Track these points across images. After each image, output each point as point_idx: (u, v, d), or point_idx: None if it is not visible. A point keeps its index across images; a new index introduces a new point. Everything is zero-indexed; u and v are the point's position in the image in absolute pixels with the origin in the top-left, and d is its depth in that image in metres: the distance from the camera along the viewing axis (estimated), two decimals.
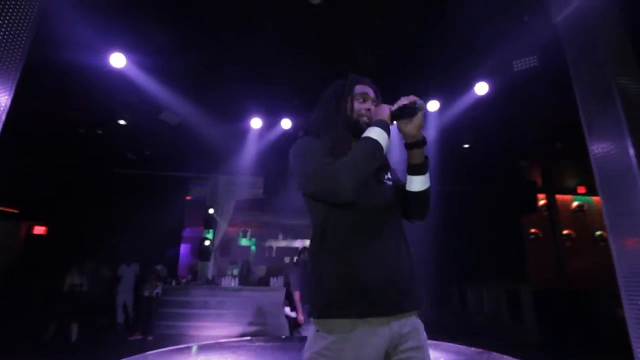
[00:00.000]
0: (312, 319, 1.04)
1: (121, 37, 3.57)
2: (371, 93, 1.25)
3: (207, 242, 7.05)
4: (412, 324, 1.05)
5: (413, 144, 1.15)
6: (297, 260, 4.37)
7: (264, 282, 7.31)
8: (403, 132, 1.14)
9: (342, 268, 1.02)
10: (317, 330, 1.00)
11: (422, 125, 1.14)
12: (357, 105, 1.21)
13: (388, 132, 1.11)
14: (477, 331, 6.55)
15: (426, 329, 1.10)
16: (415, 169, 1.17)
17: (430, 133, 4.82)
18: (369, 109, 1.21)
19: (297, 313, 3.80)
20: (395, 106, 1.13)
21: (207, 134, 5.11)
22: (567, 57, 2.96)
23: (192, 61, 3.93)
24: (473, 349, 2.36)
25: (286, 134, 5.11)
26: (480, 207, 7.56)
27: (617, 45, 2.76)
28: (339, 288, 1.00)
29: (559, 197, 8.46)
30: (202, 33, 3.61)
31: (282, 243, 12.47)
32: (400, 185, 1.24)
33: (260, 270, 9.02)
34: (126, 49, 3.67)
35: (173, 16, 3.42)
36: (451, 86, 4.23)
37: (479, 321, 7.04)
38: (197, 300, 6.30)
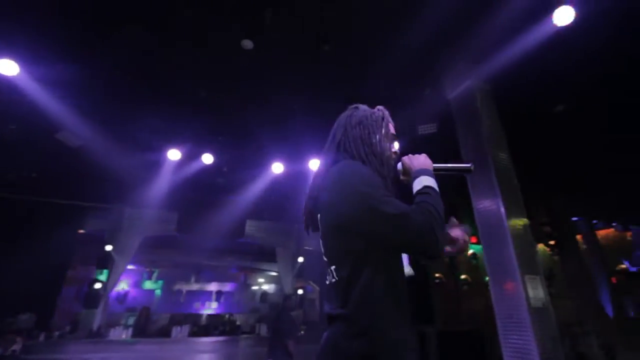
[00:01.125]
0: None
1: (17, 43, 3.13)
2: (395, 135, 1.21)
3: (97, 285, 5.99)
4: None
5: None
6: (283, 306, 4.31)
7: (165, 332, 6.40)
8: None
9: (401, 323, 0.93)
10: None
11: None
12: (388, 144, 1.14)
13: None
14: None
15: None
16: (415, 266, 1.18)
17: None
18: (396, 152, 1.18)
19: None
20: (437, 165, 1.12)
21: (114, 162, 4.58)
22: (457, 129, 3.56)
23: (104, 80, 3.61)
24: None
25: (206, 169, 4.89)
26: None
27: (492, 123, 3.44)
28: (406, 346, 0.92)
29: None
30: (117, 51, 3.35)
31: (194, 286, 11.28)
32: None
33: (163, 319, 7.92)
34: (23, 58, 3.22)
35: (81, 32, 3.14)
36: None
37: None
38: (72, 359, 5.14)
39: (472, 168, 1.09)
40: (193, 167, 4.74)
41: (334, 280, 0.99)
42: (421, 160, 1.09)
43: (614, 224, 8.01)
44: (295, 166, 4.83)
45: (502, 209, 2.99)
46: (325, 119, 4.47)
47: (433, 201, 0.95)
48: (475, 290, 9.47)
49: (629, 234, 8.06)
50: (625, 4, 2.64)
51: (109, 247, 6.20)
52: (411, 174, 1.07)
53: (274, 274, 10.87)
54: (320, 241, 1.08)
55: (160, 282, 10.89)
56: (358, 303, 0.92)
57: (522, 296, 2.78)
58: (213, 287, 11.08)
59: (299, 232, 7.26)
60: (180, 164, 4.79)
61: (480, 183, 3.21)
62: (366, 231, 0.94)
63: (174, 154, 4.65)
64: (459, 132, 3.46)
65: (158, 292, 10.48)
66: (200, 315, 8.31)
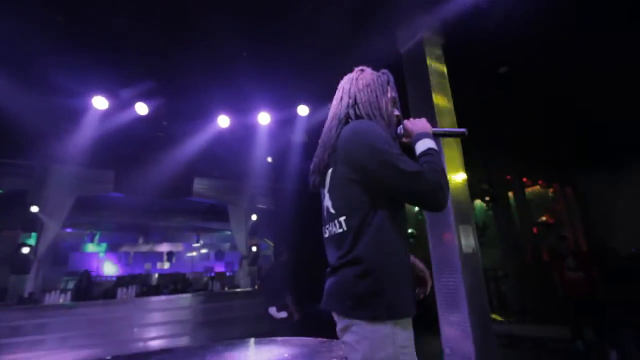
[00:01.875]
0: (378, 321, 0.95)
1: None
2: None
3: (25, 250, 5.45)
4: None
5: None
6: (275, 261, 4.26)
7: (111, 294, 6.14)
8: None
9: (406, 265, 1.04)
10: (394, 327, 0.94)
11: None
12: (390, 109, 1.19)
13: None
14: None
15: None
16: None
17: (301, 137, 5.00)
18: (398, 116, 1.22)
19: (293, 314, 4.09)
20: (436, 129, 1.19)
21: (28, 112, 3.92)
22: (406, 82, 3.53)
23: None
24: (318, 339, 2.47)
25: (144, 122, 4.41)
26: None
27: (439, 79, 3.45)
28: (409, 286, 1.02)
29: None
30: None
31: (143, 248, 10.87)
32: None
33: (108, 282, 7.58)
34: None
35: None
36: (322, 92, 4.49)
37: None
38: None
39: (466, 133, 1.18)
40: (125, 118, 4.21)
41: (341, 230, 1.07)
42: (422, 123, 1.17)
43: (539, 182, 8.95)
44: (242, 119, 4.54)
45: (444, 166, 3.11)
46: (275, 70, 4.20)
47: (439, 161, 1.05)
48: (420, 242, 10.35)
49: (551, 191, 9.09)
50: None
51: (34, 209, 5.58)
52: (412, 136, 1.15)
53: (228, 232, 10.79)
54: (327, 195, 1.15)
55: (104, 244, 10.30)
56: (369, 246, 1.00)
57: (455, 243, 3.02)
58: (164, 247, 10.76)
59: (252, 190, 7.10)
60: (109, 114, 4.20)
61: None
62: (382, 184, 1.02)
63: (100, 102, 4.03)
64: (408, 86, 3.44)
65: (102, 255, 9.94)
66: (150, 276, 8.07)
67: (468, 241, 3.08)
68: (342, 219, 1.07)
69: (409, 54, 3.55)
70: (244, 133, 4.91)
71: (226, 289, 6.86)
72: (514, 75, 4.47)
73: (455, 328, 2.97)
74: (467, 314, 2.86)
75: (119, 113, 4.17)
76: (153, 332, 5.71)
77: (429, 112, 3.25)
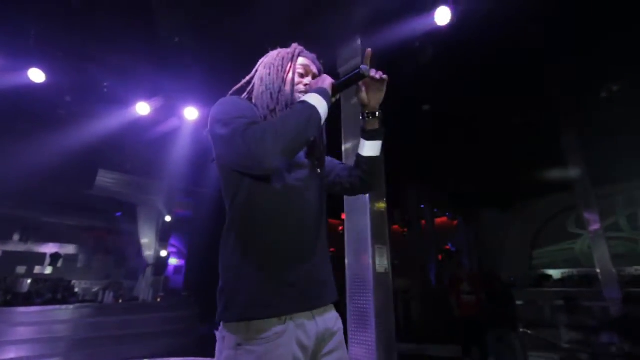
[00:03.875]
0: (223, 324, 0.85)
1: None
2: (314, 69, 1.12)
3: None
4: (334, 316, 0.98)
5: (371, 114, 1.12)
6: None
7: None
8: (364, 103, 1.10)
9: (268, 257, 0.87)
10: (239, 345, 0.80)
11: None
12: (297, 79, 1.07)
13: (329, 102, 0.96)
14: None
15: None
16: (371, 135, 1.15)
17: None
18: (307, 85, 1.08)
19: None
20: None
21: None
22: (342, 106, 3.62)
23: None
24: None
25: (40, 94, 3.66)
26: None
27: None
28: (266, 281, 0.85)
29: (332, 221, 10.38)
30: None
31: (21, 247, 8.92)
32: (329, 173, 1.19)
33: None
34: None
35: None
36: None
37: None
38: None
39: (363, 71, 1.00)
40: (13, 83, 3.42)
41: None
42: (319, 81, 1.02)
43: (447, 214, 10.03)
44: (166, 111, 4.10)
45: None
46: (210, 65, 3.93)
47: (288, 113, 0.89)
48: (339, 260, 10.60)
49: (455, 222, 10.24)
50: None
51: None
52: None
53: (133, 235, 9.57)
54: None
55: None
56: (223, 237, 0.92)
57: (369, 262, 3.09)
58: (48, 248, 8.98)
59: (169, 190, 6.46)
60: None
61: (352, 158, 3.37)
62: (219, 165, 0.95)
63: None
64: (343, 107, 3.53)
65: None
66: (20, 281, 6.61)
67: (382, 261, 3.19)
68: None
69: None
70: (166, 126, 4.44)
71: (120, 300, 5.96)
72: (434, 114, 4.97)
73: (362, 347, 3.00)
74: (374, 333, 2.92)
75: (5, 75, 3.37)
76: (12, 352, 4.60)
77: (357, 134, 3.36)
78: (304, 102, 0.92)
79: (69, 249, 9.49)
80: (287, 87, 1.05)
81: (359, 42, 3.42)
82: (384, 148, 1.20)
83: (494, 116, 5.13)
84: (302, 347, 0.85)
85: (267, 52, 1.17)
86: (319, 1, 2.82)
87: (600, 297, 5.03)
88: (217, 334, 0.88)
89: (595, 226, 5.42)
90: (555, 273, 9.00)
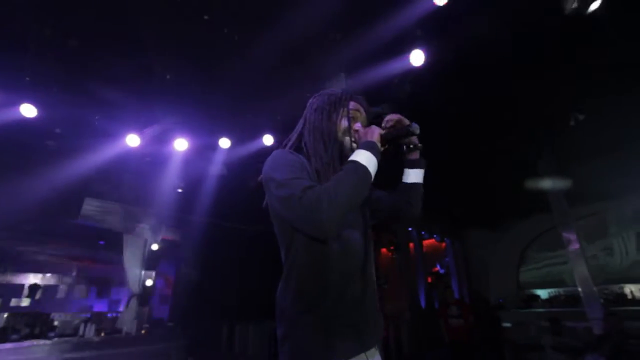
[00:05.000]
0: None
1: None
2: (363, 112, 1.13)
3: None
4: (379, 358, 0.99)
5: (413, 147, 1.18)
6: None
7: None
8: (406, 141, 1.12)
9: (319, 307, 0.89)
10: None
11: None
12: (347, 124, 1.07)
13: (378, 157, 0.97)
14: None
15: None
16: (412, 163, 1.20)
17: (219, 169, 4.80)
18: (358, 130, 1.08)
19: None
20: (386, 129, 1.04)
21: None
22: None
23: None
24: None
25: (30, 126, 3.70)
26: (266, 248, 8.06)
27: None
28: (323, 331, 0.87)
29: None
30: None
31: None
32: (373, 211, 1.20)
33: None
34: None
35: None
36: (246, 127, 4.48)
37: None
38: None
39: (413, 129, 1.03)
40: (5, 118, 3.46)
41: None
42: (368, 133, 1.02)
43: (434, 236, 10.15)
44: (156, 144, 4.17)
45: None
46: (200, 98, 4.07)
47: (341, 177, 0.90)
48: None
49: (443, 245, 10.36)
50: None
51: None
52: None
53: (118, 265, 9.31)
54: None
55: None
56: (282, 284, 0.94)
57: None
58: (26, 279, 8.66)
59: (156, 218, 6.41)
60: None
61: None
62: (273, 215, 0.99)
63: None
64: None
65: None
66: None
67: None
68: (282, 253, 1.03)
69: None
70: (155, 156, 4.50)
71: (102, 334, 5.74)
72: (421, 140, 5.19)
73: None
74: None
75: None
76: None
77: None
78: (355, 162, 0.93)
79: (49, 279, 9.14)
80: (340, 135, 1.07)
81: (343, 77, 3.64)
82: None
83: (475, 141, 5.39)
84: None
85: (278, 111, 1.26)
86: (307, 43, 3.02)
87: (583, 317, 5.14)
88: None
89: (574, 245, 5.61)
90: (542, 293, 9.12)
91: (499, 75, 3.72)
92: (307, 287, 0.91)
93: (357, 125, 1.10)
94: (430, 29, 2.89)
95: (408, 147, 1.16)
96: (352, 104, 1.12)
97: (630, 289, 7.83)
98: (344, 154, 1.06)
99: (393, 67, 3.09)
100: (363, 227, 1.08)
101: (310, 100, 1.18)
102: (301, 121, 1.17)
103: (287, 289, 0.93)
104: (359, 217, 1.08)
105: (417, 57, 2.94)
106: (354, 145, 1.06)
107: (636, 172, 6.62)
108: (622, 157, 5.97)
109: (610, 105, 4.46)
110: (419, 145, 1.13)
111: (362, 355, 0.91)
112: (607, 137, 5.37)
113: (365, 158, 0.94)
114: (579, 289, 5.28)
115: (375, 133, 1.02)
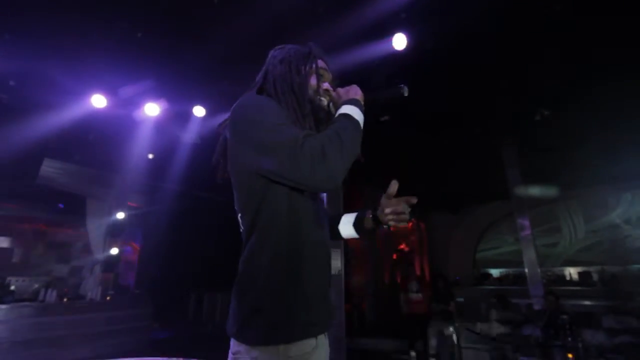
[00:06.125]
0: (260, 345, 0.74)
1: None
2: (330, 74, 1.05)
3: None
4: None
5: (376, 223, 1.06)
6: None
7: None
8: (381, 214, 1.01)
9: (299, 272, 0.79)
10: (282, 353, 0.73)
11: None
12: (315, 82, 0.98)
13: (362, 117, 0.90)
14: (206, 341, 6.67)
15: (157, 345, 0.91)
16: (359, 228, 1.10)
17: (192, 138, 4.66)
18: (328, 90, 1.01)
19: None
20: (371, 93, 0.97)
21: None
22: None
23: None
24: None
25: None
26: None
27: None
28: (305, 300, 0.79)
29: None
30: None
31: None
32: None
33: None
34: None
35: None
36: (223, 98, 4.33)
37: (209, 331, 7.24)
38: None
39: (403, 91, 0.96)
40: None
41: (241, 231, 0.88)
42: (351, 91, 0.95)
43: None
44: (124, 107, 3.95)
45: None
46: (175, 61, 3.86)
47: (341, 130, 0.81)
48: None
49: (409, 224, 10.84)
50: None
51: None
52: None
53: (81, 229, 8.96)
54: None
55: None
56: (252, 251, 0.81)
57: None
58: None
59: (123, 184, 6.18)
60: None
61: None
62: (255, 166, 0.81)
63: None
64: None
65: None
66: None
67: (335, 264, 3.39)
68: (239, 215, 0.89)
69: None
70: (122, 119, 4.27)
71: (65, 299, 5.63)
72: (392, 125, 5.28)
73: None
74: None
75: None
76: None
77: None
78: (348, 116, 0.86)
79: (3, 242, 8.66)
80: (310, 92, 0.97)
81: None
82: None
83: (445, 128, 5.57)
84: None
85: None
86: (290, 14, 2.92)
87: (527, 295, 5.71)
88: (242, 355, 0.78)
89: (526, 231, 6.10)
90: (494, 272, 9.94)
91: (470, 63, 3.80)
92: (286, 253, 0.80)
93: (325, 85, 1.02)
94: (416, 13, 2.89)
95: (374, 217, 1.06)
96: (320, 62, 1.02)
97: (569, 272, 8.74)
98: (316, 113, 0.97)
99: (374, 50, 3.09)
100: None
101: (273, 52, 1.06)
102: (260, 74, 1.04)
103: (261, 254, 0.80)
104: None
105: (399, 41, 2.95)
106: (330, 105, 0.99)
107: (591, 167, 7.20)
108: (581, 150, 6.44)
109: (574, 101, 4.74)
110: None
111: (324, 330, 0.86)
112: (569, 131, 5.73)
113: (356, 114, 0.88)
114: (526, 270, 5.81)
115: (358, 92, 0.96)
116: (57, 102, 3.86)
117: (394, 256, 9.86)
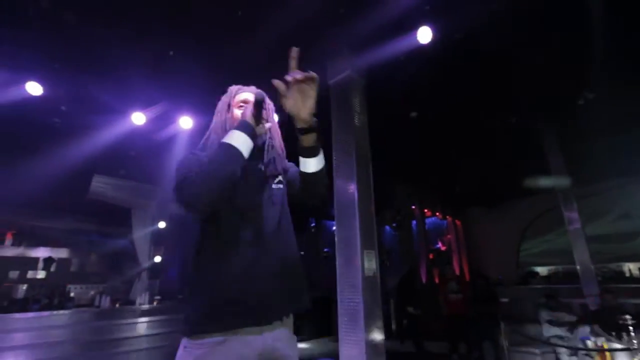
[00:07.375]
0: (184, 339, 0.96)
1: None
2: (251, 97, 1.17)
3: None
4: (285, 335, 1.03)
5: (306, 130, 1.06)
6: None
7: None
8: (292, 113, 1.02)
9: (212, 279, 0.97)
10: (185, 348, 0.93)
11: (314, 109, 1.01)
12: (238, 112, 1.18)
13: (248, 131, 1.03)
14: None
15: None
16: (309, 152, 1.12)
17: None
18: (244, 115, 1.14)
19: None
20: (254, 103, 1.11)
21: None
22: (332, 112, 3.77)
23: None
24: None
25: (35, 103, 3.73)
26: None
27: (361, 115, 3.78)
28: (210, 301, 0.94)
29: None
30: None
31: (10, 251, 8.87)
32: (291, 184, 1.24)
33: None
34: None
35: None
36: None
37: None
38: None
39: (257, 97, 1.07)
40: (10, 96, 3.49)
41: None
42: (243, 113, 1.14)
43: (437, 214, 10.25)
44: (162, 120, 4.20)
45: (356, 193, 3.37)
46: (204, 76, 4.02)
47: (210, 158, 1.00)
48: (332, 263, 10.79)
49: (445, 222, 10.45)
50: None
51: None
52: None
53: (127, 239, 9.60)
54: None
55: None
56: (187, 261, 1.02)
57: (359, 266, 3.24)
58: (41, 252, 8.99)
59: (164, 194, 6.54)
60: None
61: (342, 166, 3.53)
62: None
63: None
64: (333, 115, 3.68)
65: None
66: (14, 288, 6.63)
67: (370, 265, 3.34)
68: None
69: (335, 87, 3.81)
70: (161, 134, 4.54)
71: (117, 305, 6.04)
72: (423, 121, 5.15)
73: (352, 346, 3.15)
74: (364, 333, 3.07)
75: (3, 90, 3.45)
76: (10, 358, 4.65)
77: (349, 141, 3.52)
78: (221, 143, 1.01)
79: (62, 253, 9.47)
80: (229, 125, 1.16)
81: (346, 53, 3.57)
82: (327, 160, 1.19)
83: (479, 120, 5.34)
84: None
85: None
86: (313, 20, 2.95)
87: (580, 293, 5.28)
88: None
89: (575, 225, 5.67)
90: (541, 270, 9.30)
91: (504, 53, 3.63)
92: (204, 259, 1.01)
93: (240, 113, 1.19)
94: (439, 3, 2.80)
95: (300, 129, 1.06)
96: (239, 96, 1.23)
97: (628, 267, 7.97)
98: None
99: (400, 45, 3.03)
100: (273, 203, 1.12)
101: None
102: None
103: (193, 258, 1.04)
104: (271, 194, 1.13)
105: (424, 35, 2.88)
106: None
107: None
108: (627, 137, 5.89)
109: (617, 86, 4.36)
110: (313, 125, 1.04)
111: (255, 329, 0.95)
112: (613, 117, 5.28)
113: (229, 137, 1.01)
114: (577, 267, 5.39)
115: (246, 112, 1.09)
116: (101, 122, 4.19)
117: (431, 256, 9.56)
